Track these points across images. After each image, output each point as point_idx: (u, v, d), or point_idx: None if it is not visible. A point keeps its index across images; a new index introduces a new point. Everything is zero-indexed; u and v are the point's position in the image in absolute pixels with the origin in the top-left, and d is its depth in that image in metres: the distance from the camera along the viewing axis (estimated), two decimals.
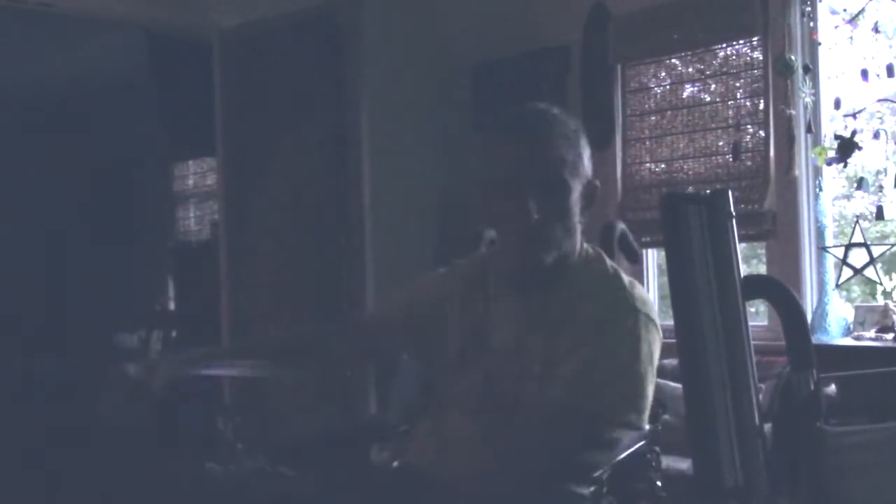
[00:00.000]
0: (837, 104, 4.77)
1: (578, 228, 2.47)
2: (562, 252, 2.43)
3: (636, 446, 2.64)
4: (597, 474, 2.46)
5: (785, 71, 4.84)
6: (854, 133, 4.67)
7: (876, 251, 4.69)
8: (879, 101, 4.76)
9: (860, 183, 4.77)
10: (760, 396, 2.60)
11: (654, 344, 2.43)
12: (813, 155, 4.86)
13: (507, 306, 2.51)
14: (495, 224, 2.53)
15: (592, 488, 2.45)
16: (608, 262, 2.52)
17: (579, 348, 2.35)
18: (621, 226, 3.23)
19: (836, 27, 4.85)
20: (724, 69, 5.27)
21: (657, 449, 2.86)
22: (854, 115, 4.74)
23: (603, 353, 2.34)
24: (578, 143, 2.43)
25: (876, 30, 4.67)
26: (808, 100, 4.83)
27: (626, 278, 2.48)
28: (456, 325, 2.57)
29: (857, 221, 4.77)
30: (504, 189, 2.39)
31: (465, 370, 2.51)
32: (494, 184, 2.42)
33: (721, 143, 5.25)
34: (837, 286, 4.76)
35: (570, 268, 2.47)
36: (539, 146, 2.39)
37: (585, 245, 2.52)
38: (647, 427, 2.54)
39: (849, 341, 4.68)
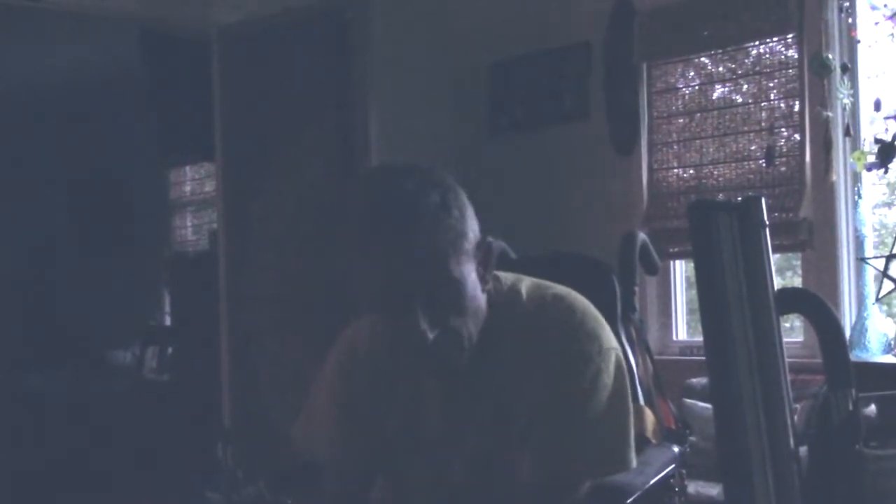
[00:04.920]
0: (878, 106, 4.77)
1: (486, 294, 2.22)
2: (476, 337, 2.18)
3: (666, 471, 2.65)
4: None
5: (822, 70, 4.85)
6: (895, 136, 4.68)
7: None
8: None
9: None
10: (795, 417, 2.61)
11: (615, 371, 2.20)
12: (851, 160, 4.86)
13: (427, 387, 2.31)
14: (387, 334, 2.23)
15: None
16: (526, 299, 2.28)
17: (526, 415, 2.20)
18: (642, 236, 3.24)
19: (876, 24, 4.86)
20: (757, 68, 5.29)
21: (683, 472, 2.86)
22: (895, 118, 4.75)
23: (556, 411, 2.17)
24: (452, 219, 2.09)
25: None
26: (846, 101, 4.84)
27: (549, 308, 2.25)
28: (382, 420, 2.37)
29: None
30: (383, 304, 2.12)
31: (417, 466, 2.36)
32: (373, 297, 2.14)
33: (753, 148, 5.25)
34: (878, 300, 4.76)
35: (490, 333, 2.22)
36: (407, 251, 2.05)
37: (499, 286, 2.29)
38: (675, 449, 2.54)
39: (889, 359, 4.68)
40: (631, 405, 2.23)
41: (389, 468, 2.40)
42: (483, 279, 2.18)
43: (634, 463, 2.22)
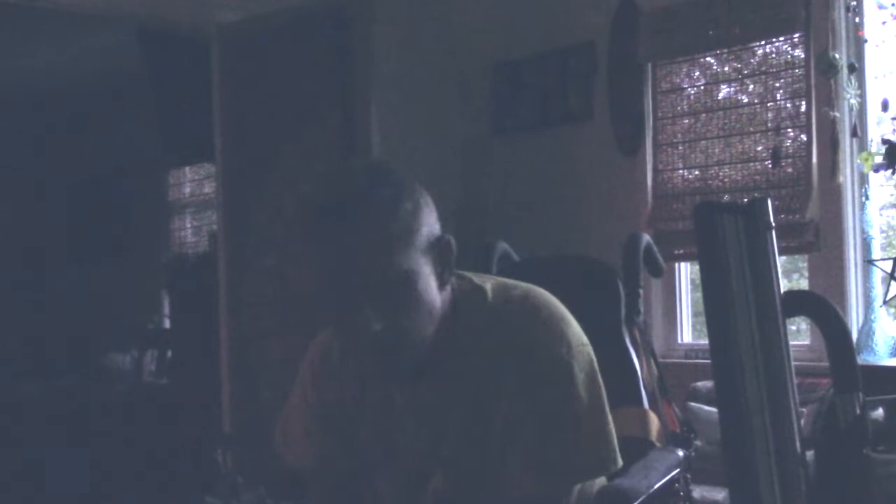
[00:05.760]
0: (885, 106, 4.78)
1: (444, 293, 2.20)
2: (431, 336, 2.16)
3: (671, 475, 2.65)
4: None
5: (828, 70, 4.85)
6: None
7: None
8: None
9: None
10: (802, 421, 2.62)
11: (585, 368, 2.19)
12: (859, 161, 4.86)
13: (395, 395, 2.30)
14: (339, 335, 2.25)
15: None
16: (491, 298, 2.26)
17: (502, 422, 2.19)
18: (647, 237, 3.24)
19: (883, 23, 4.86)
20: (763, 68, 5.29)
21: (688, 476, 2.87)
22: None
23: (533, 418, 2.16)
24: (402, 212, 2.08)
25: None
26: (853, 101, 4.84)
27: (515, 308, 2.23)
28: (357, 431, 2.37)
29: None
30: (332, 301, 2.10)
31: (387, 476, 2.37)
32: (321, 295, 2.11)
33: (759, 148, 5.26)
34: (885, 302, 4.77)
35: (453, 336, 2.22)
36: (352, 245, 2.04)
37: (460, 286, 2.28)
38: (680, 453, 2.54)
39: None
40: (606, 402, 2.21)
41: (366, 476, 2.39)
42: (440, 277, 2.16)
43: (620, 462, 2.20)
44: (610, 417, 2.20)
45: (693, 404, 4.89)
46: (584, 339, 2.23)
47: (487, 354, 2.20)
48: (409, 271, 2.07)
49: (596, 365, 2.21)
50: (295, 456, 2.46)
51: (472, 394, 2.21)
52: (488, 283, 2.30)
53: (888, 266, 4.75)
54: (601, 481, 2.45)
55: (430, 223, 2.14)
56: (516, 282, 2.32)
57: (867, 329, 4.75)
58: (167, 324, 9.56)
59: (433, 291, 2.14)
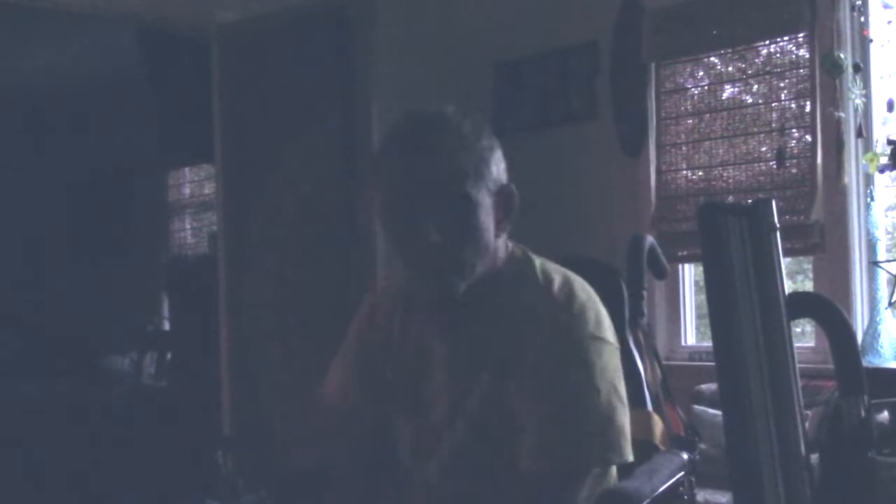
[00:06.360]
0: (891, 106, 4.78)
1: (499, 244, 2.40)
2: (479, 276, 2.36)
3: (675, 478, 2.65)
4: None
5: (833, 70, 4.85)
6: None
7: None
8: None
9: None
10: (807, 424, 2.62)
11: (610, 363, 2.32)
12: (864, 161, 4.86)
13: (433, 348, 2.46)
14: (397, 252, 2.39)
15: None
16: (537, 266, 2.43)
17: (524, 393, 2.30)
18: (650, 239, 3.24)
19: (889, 22, 4.87)
20: (768, 68, 5.29)
21: (692, 480, 2.86)
22: None
23: (553, 396, 2.26)
24: (479, 146, 2.33)
25: None
26: (858, 101, 4.84)
27: (560, 287, 2.37)
28: (389, 378, 2.54)
29: None
30: (398, 211, 2.31)
31: (413, 423, 2.50)
32: (390, 205, 2.33)
33: (764, 149, 5.26)
34: (890, 304, 4.76)
35: (496, 292, 2.40)
36: (430, 159, 2.29)
37: (514, 250, 2.47)
38: (684, 456, 2.54)
39: None
40: (625, 398, 2.31)
41: (397, 425, 2.53)
42: (499, 222, 2.36)
43: (630, 456, 2.30)
44: (627, 413, 2.30)
45: (697, 407, 4.89)
46: (613, 336, 2.36)
47: (521, 324, 2.34)
48: (473, 200, 2.28)
49: (619, 363, 2.34)
50: (328, 393, 2.64)
51: (500, 358, 2.34)
52: (539, 259, 2.46)
53: (893, 268, 4.74)
54: (605, 483, 2.45)
55: (500, 169, 2.37)
56: (564, 269, 2.45)
57: (872, 331, 4.75)
58: (167, 325, 9.57)
59: (490, 231, 2.34)
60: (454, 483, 2.43)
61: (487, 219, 2.32)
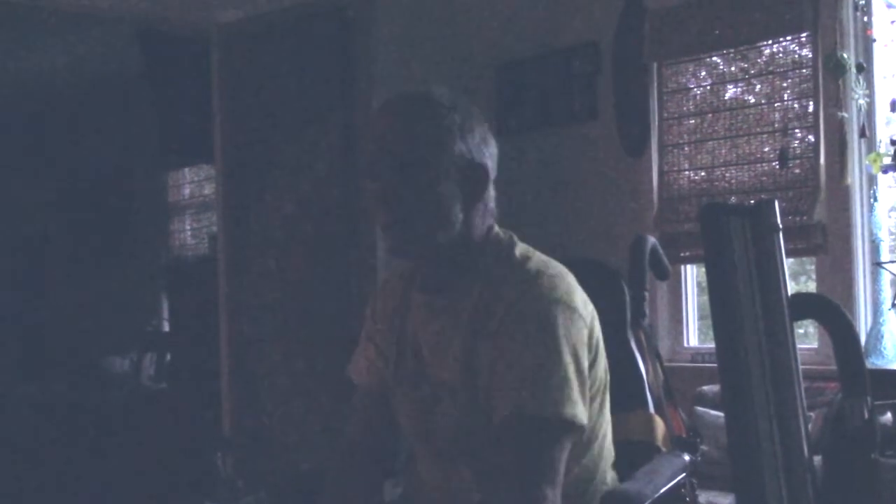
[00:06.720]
0: (894, 106, 4.78)
1: (474, 221, 2.44)
2: (452, 251, 2.43)
3: (676, 480, 2.64)
4: None
5: (836, 70, 4.85)
6: None
7: None
8: None
9: None
10: (810, 426, 2.61)
11: (573, 329, 2.33)
12: (867, 162, 4.86)
13: (424, 315, 2.53)
14: (373, 213, 2.51)
15: None
16: (518, 250, 2.47)
17: (488, 351, 2.36)
18: (652, 240, 3.24)
19: (892, 22, 4.86)
20: (770, 68, 5.28)
21: (694, 481, 2.86)
22: None
23: (514, 346, 2.31)
24: (450, 119, 2.40)
25: None
26: (861, 101, 4.84)
27: (535, 264, 2.42)
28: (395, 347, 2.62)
29: None
30: (369, 171, 2.43)
31: (408, 397, 2.57)
32: (366, 167, 2.46)
33: (766, 149, 5.25)
34: (894, 305, 4.76)
35: (470, 268, 2.45)
36: (393, 120, 2.41)
37: (498, 233, 2.50)
38: (686, 458, 2.52)
39: None
40: (585, 371, 2.34)
41: (400, 402, 2.59)
42: (465, 199, 2.41)
43: (581, 422, 2.30)
44: (583, 384, 2.33)
45: (699, 408, 4.89)
46: (585, 310, 2.39)
47: (490, 293, 2.39)
48: (430, 160, 2.37)
49: (585, 337, 2.36)
50: (353, 372, 2.74)
51: (470, 326, 2.40)
52: (522, 245, 2.50)
53: None
54: (607, 485, 2.46)
55: (474, 150, 2.43)
56: (546, 256, 2.49)
57: (875, 332, 4.74)
58: (167, 326, 9.56)
59: (453, 203, 2.40)
60: (449, 462, 2.50)
61: (452, 197, 2.39)
